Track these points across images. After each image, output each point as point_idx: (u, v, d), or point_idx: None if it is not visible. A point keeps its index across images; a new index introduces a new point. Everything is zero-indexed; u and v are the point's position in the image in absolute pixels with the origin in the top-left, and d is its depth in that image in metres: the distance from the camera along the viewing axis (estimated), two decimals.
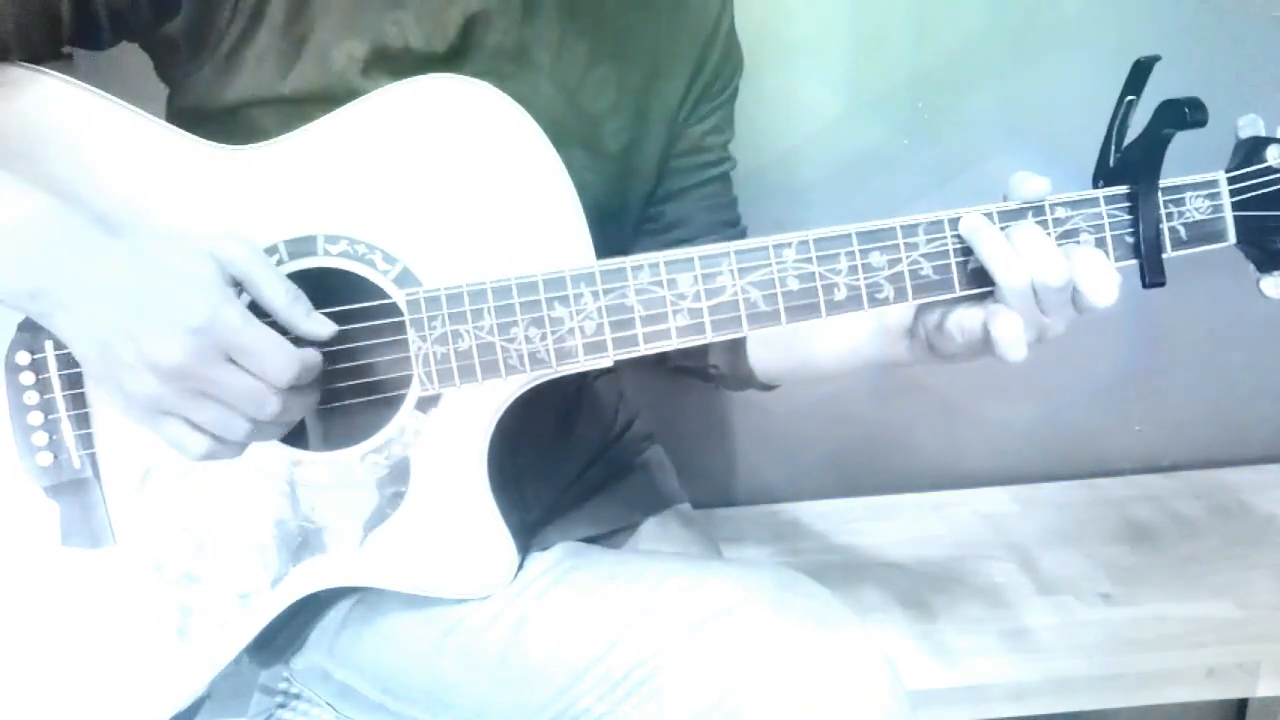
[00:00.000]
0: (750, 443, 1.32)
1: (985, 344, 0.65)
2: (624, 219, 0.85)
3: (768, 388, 0.90)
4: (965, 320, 0.66)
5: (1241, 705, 1.30)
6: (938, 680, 0.99)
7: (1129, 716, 1.07)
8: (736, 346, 0.87)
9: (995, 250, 0.64)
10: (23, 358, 0.67)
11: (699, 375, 0.92)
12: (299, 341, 0.62)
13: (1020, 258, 0.63)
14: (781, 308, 0.67)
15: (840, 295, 0.67)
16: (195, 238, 0.62)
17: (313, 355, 0.63)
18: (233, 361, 0.60)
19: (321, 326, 0.64)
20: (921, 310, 0.70)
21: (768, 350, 0.86)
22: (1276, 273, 0.69)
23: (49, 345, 0.67)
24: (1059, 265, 0.63)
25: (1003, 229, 0.65)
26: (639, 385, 1.10)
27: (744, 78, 0.92)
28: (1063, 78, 1.18)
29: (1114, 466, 1.36)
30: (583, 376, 0.95)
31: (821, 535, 1.25)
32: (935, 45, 1.18)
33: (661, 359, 0.92)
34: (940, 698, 0.99)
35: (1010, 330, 0.63)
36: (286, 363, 0.61)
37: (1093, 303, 0.63)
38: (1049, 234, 0.66)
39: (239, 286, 0.62)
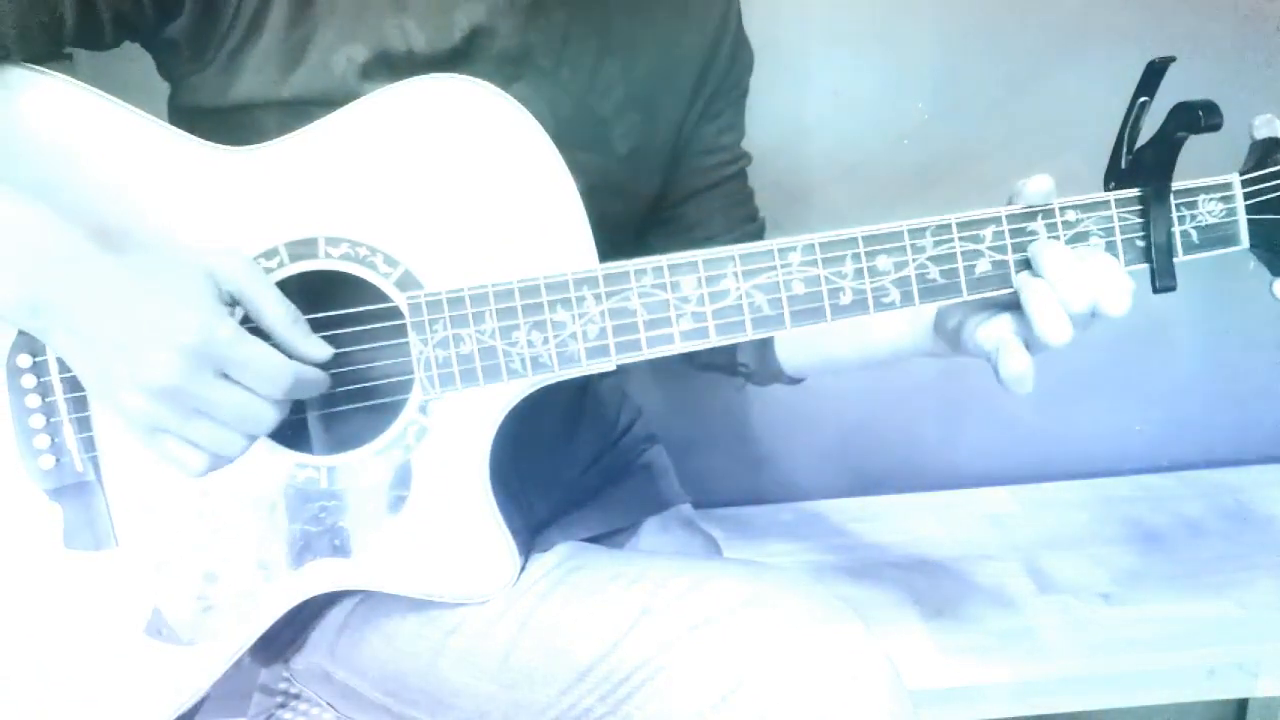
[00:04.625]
0: (752, 443, 1.32)
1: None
2: (632, 221, 0.84)
3: (795, 381, 0.91)
4: (981, 337, 0.66)
5: (1241, 705, 1.29)
6: (938, 680, 0.99)
7: (1129, 716, 1.07)
8: (764, 343, 0.87)
9: (1044, 306, 0.63)
10: (24, 360, 0.67)
11: (727, 371, 0.92)
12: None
13: (1055, 290, 0.63)
14: (786, 311, 0.66)
15: (846, 299, 0.66)
16: (194, 252, 0.62)
17: (315, 373, 0.63)
18: (226, 377, 0.60)
19: (319, 350, 0.64)
20: (942, 312, 0.70)
21: (795, 346, 0.86)
22: None
23: (49, 349, 0.67)
24: (1085, 292, 0.62)
25: (1025, 256, 0.65)
26: (643, 386, 1.09)
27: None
28: (1064, 77, 1.17)
29: (1114, 467, 1.36)
30: (585, 378, 0.94)
31: (823, 535, 1.25)
32: (936, 44, 1.17)
33: (690, 358, 0.92)
34: (941, 697, 0.99)
35: (1018, 369, 0.64)
36: (281, 375, 0.61)
37: (1108, 314, 0.63)
38: (1058, 236, 0.65)
39: (236, 304, 0.62)
